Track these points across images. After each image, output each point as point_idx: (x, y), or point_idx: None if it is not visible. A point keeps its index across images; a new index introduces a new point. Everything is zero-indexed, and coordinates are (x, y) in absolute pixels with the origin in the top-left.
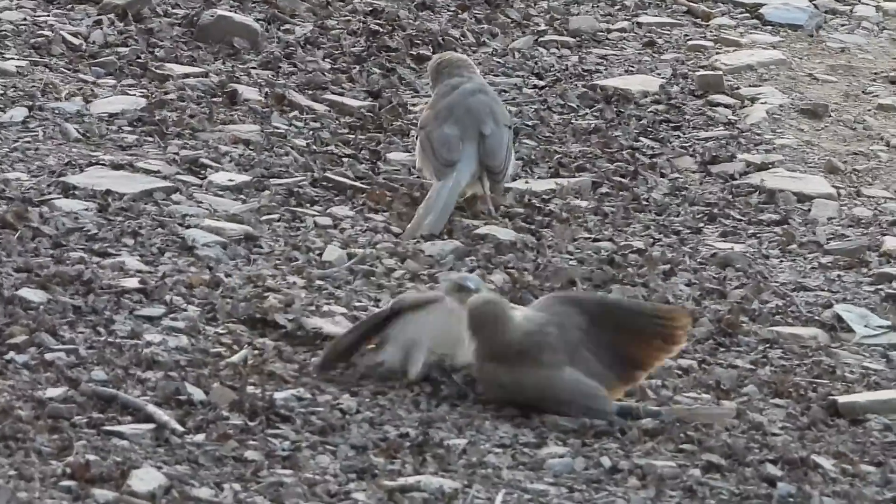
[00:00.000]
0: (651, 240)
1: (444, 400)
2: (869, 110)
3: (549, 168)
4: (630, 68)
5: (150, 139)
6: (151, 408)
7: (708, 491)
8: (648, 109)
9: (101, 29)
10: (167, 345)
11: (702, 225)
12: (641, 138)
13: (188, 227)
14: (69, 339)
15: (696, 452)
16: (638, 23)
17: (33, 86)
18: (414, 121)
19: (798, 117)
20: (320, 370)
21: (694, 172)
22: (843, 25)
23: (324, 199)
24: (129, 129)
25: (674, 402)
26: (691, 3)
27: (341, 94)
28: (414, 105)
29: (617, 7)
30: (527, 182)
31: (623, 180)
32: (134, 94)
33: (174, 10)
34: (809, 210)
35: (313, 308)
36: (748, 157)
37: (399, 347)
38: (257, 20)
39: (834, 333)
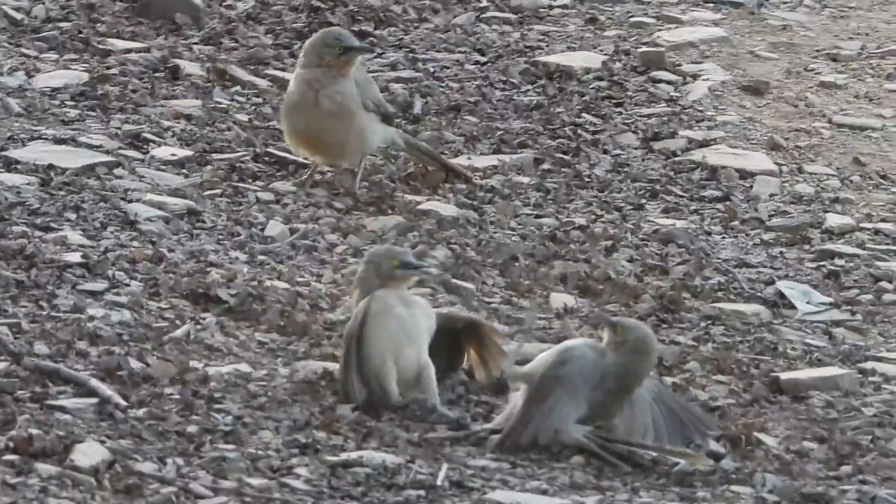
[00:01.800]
0: (593, 216)
1: None
2: (811, 87)
3: (492, 144)
4: (572, 45)
5: (92, 114)
6: (94, 382)
7: (652, 468)
8: (591, 86)
9: (44, 4)
10: (110, 319)
11: (644, 201)
12: (584, 115)
13: (131, 201)
14: (12, 313)
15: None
16: None
17: None
18: None
19: (740, 94)
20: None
21: (636, 149)
22: (784, 3)
23: (266, 174)
24: (71, 103)
25: None
26: None
27: (283, 70)
28: None
29: None
30: (469, 158)
31: (565, 157)
32: (76, 69)
33: None
34: (751, 186)
35: (256, 283)
36: (690, 133)
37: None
38: None
39: (776, 310)
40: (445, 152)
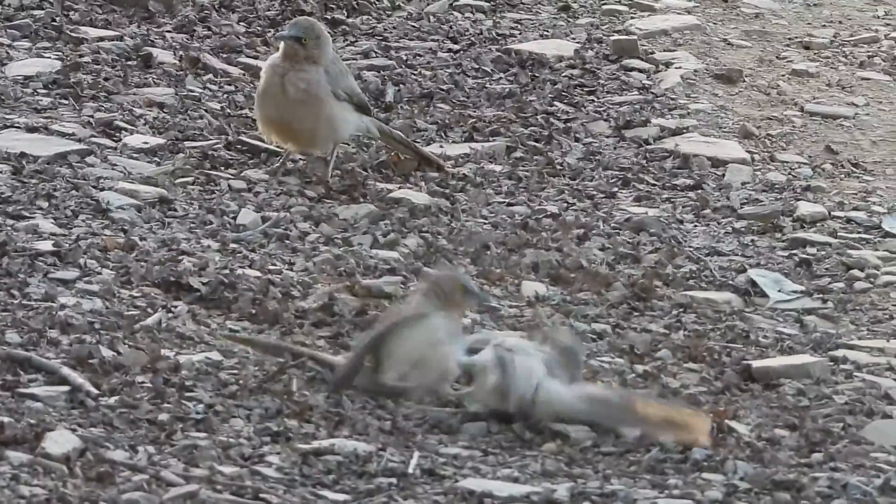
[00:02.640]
0: (565, 204)
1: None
2: (783, 75)
3: (464, 132)
4: (545, 33)
5: (64, 102)
6: (66, 370)
7: (623, 455)
8: (563, 74)
9: None
10: (81, 307)
11: (616, 189)
12: (556, 103)
13: (103, 189)
14: None
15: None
16: None
17: None
18: None
19: (712, 82)
20: (334, 390)
21: (608, 137)
22: None
23: (238, 162)
24: (44, 91)
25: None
26: None
27: (256, 58)
28: None
29: None
30: (441, 146)
31: (537, 145)
32: (49, 57)
33: None
34: (723, 175)
35: (228, 271)
36: (662, 121)
37: (394, 370)
38: None
39: (748, 298)
40: (418, 140)
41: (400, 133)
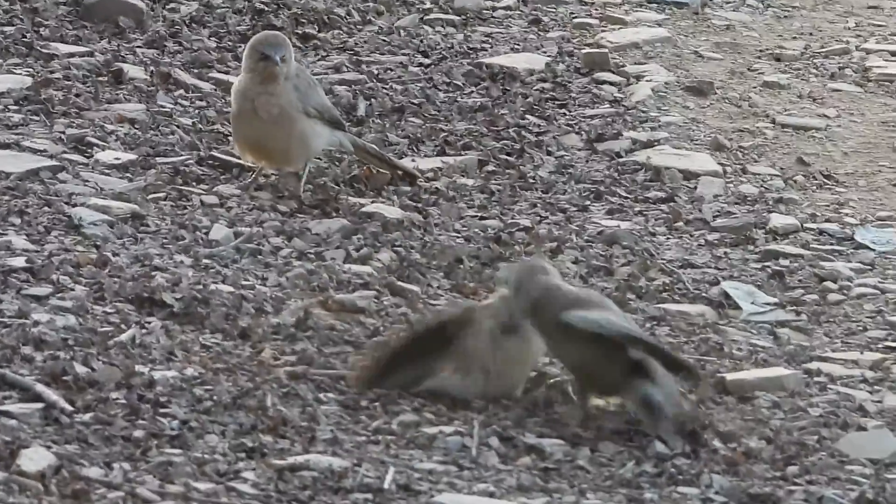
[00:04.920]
0: (538, 218)
1: (330, 388)
2: (754, 87)
3: (436, 146)
4: (516, 46)
5: (36, 118)
6: (40, 387)
7: (598, 470)
8: (534, 87)
9: None
10: (55, 324)
11: (588, 202)
12: (527, 116)
13: (75, 205)
14: None
15: (587, 431)
16: (523, 1)
17: None
18: None
19: (684, 95)
20: (362, 387)
21: (580, 150)
22: (728, 3)
23: (210, 177)
24: (14, 108)
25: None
26: None
27: (227, 73)
28: None
29: None
30: (413, 160)
31: (509, 158)
32: (20, 74)
33: None
34: (696, 187)
35: (200, 287)
36: (634, 134)
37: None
38: None
39: (721, 311)
40: (390, 154)
41: (373, 146)
